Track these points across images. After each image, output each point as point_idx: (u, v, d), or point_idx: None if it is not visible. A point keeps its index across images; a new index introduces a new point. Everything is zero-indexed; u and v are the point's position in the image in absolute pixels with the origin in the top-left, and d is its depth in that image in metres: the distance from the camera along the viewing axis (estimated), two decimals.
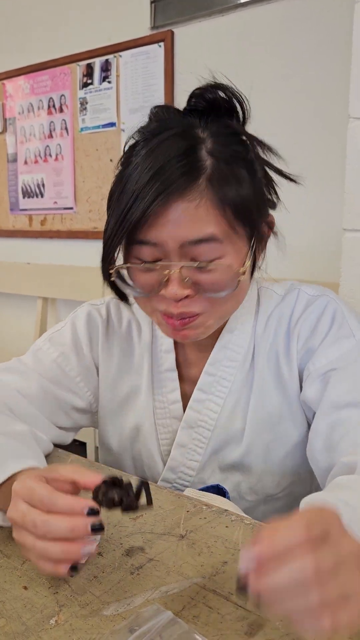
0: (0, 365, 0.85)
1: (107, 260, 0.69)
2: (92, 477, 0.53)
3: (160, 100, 2.01)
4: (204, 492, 0.74)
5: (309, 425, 0.77)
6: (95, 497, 0.51)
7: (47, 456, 0.81)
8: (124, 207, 0.64)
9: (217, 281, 0.67)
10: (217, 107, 0.70)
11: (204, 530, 0.62)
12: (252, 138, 0.70)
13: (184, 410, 0.82)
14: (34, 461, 0.62)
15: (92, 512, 0.49)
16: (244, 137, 0.70)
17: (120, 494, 0.51)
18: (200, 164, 0.64)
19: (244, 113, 0.72)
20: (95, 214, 2.34)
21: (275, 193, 0.75)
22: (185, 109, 0.72)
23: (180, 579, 0.54)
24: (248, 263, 0.68)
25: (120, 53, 2.14)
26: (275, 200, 0.75)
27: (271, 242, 0.76)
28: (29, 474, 0.55)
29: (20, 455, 0.63)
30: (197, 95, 0.70)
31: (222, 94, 0.70)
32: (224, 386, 0.80)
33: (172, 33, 1.98)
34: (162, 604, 0.50)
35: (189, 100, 0.71)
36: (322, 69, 1.68)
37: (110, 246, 0.68)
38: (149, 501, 0.53)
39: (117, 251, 0.69)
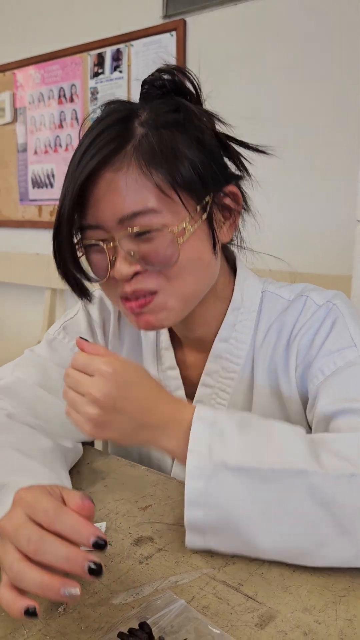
0: (14, 361, 0.80)
1: (59, 249, 0.66)
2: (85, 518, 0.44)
3: None
4: None
5: None
6: None
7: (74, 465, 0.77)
8: (62, 196, 0.64)
9: (157, 250, 0.63)
10: (167, 91, 0.68)
11: None
12: (202, 110, 0.68)
13: None
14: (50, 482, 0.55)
15: (98, 545, 0.41)
16: (189, 108, 0.66)
17: None
18: (129, 132, 0.63)
19: (196, 92, 0.70)
20: None
21: (241, 166, 0.72)
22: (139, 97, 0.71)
23: (190, 570, 0.53)
24: (189, 227, 0.64)
25: (132, 42, 2.12)
26: (241, 173, 0.71)
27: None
28: (35, 487, 0.47)
29: (37, 475, 0.58)
30: (147, 83, 0.69)
31: (170, 78, 0.68)
32: (223, 398, 0.76)
33: (184, 22, 1.96)
34: None
35: (141, 89, 0.70)
36: (335, 57, 1.65)
37: (58, 236, 0.65)
38: None
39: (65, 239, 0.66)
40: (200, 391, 0.77)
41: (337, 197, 1.69)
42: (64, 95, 2.41)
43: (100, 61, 2.25)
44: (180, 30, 1.96)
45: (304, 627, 0.46)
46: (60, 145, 2.46)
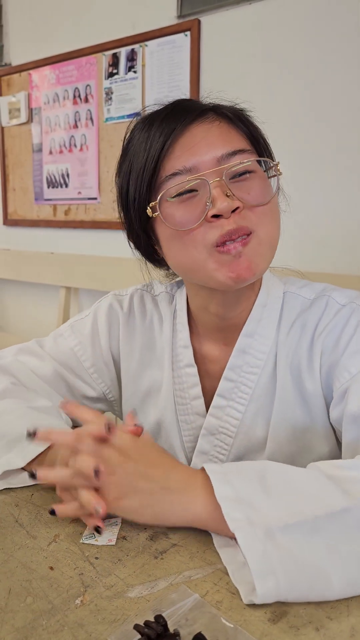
0: (20, 345, 0.89)
1: (137, 207, 0.72)
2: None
3: (186, 90, 1.99)
4: None
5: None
6: None
7: None
8: (148, 147, 0.69)
9: (254, 186, 0.69)
10: None
11: None
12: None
13: (206, 406, 0.81)
14: None
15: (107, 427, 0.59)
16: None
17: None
18: (205, 105, 0.74)
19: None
20: None
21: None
22: None
23: (204, 565, 0.54)
24: (272, 172, 0.73)
25: (146, 42, 2.13)
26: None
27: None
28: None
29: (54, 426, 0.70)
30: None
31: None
32: (245, 392, 0.78)
33: (199, 22, 1.96)
34: None
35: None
36: (348, 56, 1.65)
37: (140, 188, 0.70)
38: None
39: (146, 191, 0.71)
40: (222, 385, 0.79)
41: (352, 196, 1.69)
42: (79, 96, 2.43)
43: (114, 61, 2.26)
44: (194, 30, 1.97)
45: (316, 623, 0.46)
46: (75, 146, 2.48)
